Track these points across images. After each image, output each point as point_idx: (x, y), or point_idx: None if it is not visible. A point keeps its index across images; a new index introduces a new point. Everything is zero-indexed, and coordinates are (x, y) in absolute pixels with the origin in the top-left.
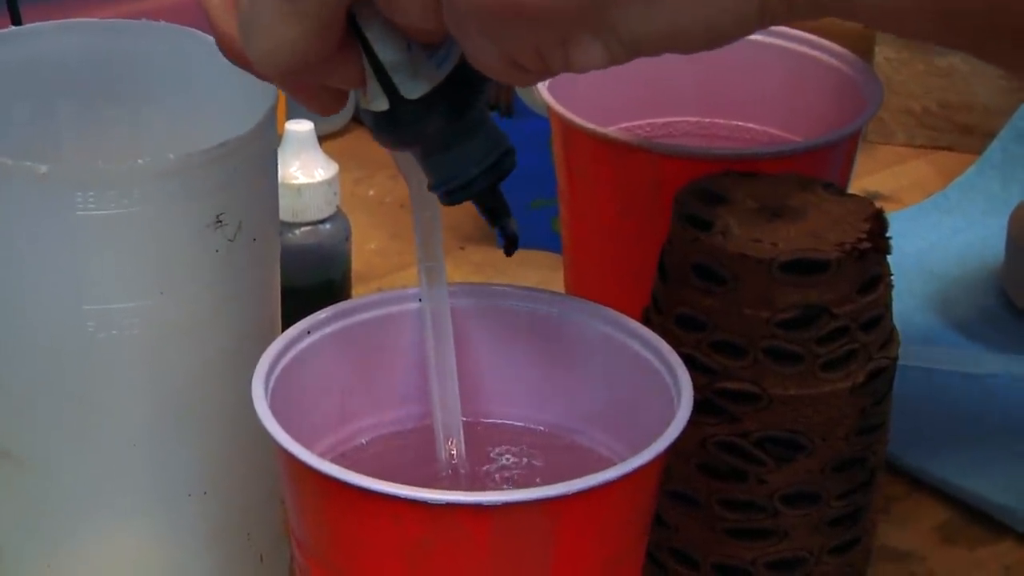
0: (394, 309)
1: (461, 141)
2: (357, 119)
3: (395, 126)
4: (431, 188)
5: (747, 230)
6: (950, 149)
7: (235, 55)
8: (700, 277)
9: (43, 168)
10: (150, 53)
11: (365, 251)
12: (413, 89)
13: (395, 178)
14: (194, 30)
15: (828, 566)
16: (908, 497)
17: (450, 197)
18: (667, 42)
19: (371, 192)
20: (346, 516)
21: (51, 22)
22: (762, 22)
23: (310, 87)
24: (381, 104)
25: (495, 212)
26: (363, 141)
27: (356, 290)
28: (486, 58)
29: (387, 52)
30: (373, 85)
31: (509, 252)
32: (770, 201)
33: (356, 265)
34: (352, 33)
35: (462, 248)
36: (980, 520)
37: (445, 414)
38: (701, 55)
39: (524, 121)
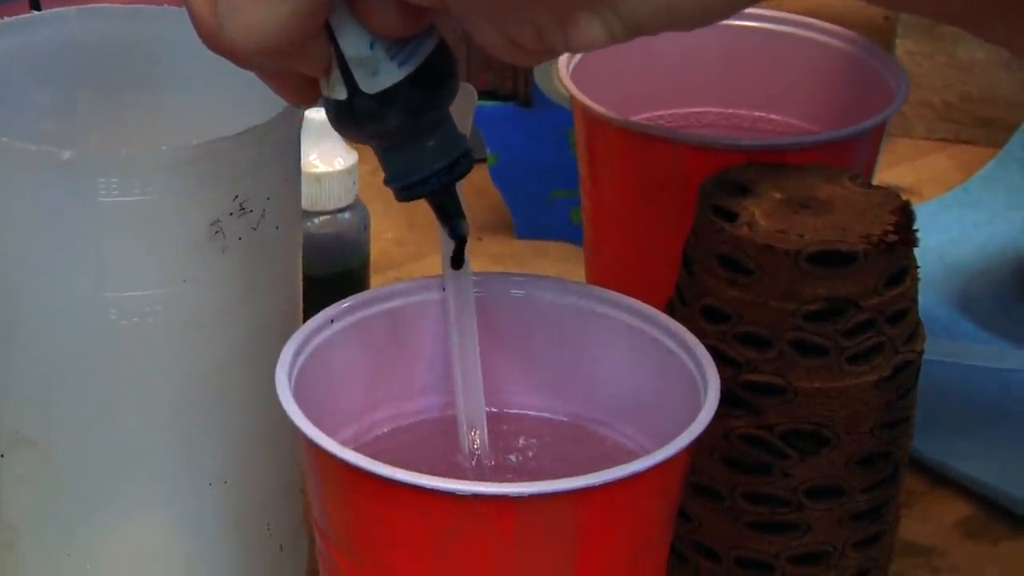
0: (417, 298)
1: (417, 140)
2: None
3: (352, 118)
4: (386, 183)
5: (773, 221)
6: (970, 142)
7: (210, 35)
8: (725, 268)
9: (66, 154)
10: (172, 39)
11: (382, 240)
12: (372, 84)
13: None
14: None
15: (851, 560)
16: (930, 492)
17: (403, 194)
18: (665, 19)
19: None
20: (371, 506)
21: (71, 8)
22: None
23: (282, 73)
24: (340, 93)
25: (448, 212)
26: None
27: (373, 279)
28: (486, 37)
29: (351, 46)
30: (335, 74)
31: (458, 257)
32: (796, 192)
33: (373, 254)
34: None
35: (480, 239)
36: (1002, 515)
37: (468, 404)
38: (724, 43)
39: (542, 112)
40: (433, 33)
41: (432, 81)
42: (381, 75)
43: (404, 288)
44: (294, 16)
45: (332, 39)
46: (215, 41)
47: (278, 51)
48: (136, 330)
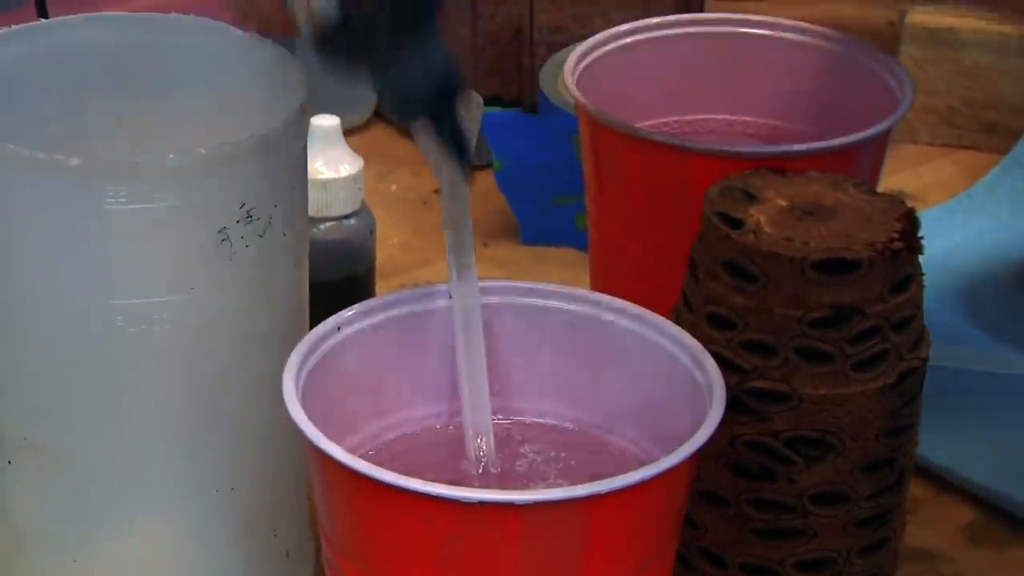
0: (424, 306)
1: (414, 52)
2: (379, 114)
3: (345, 35)
4: (387, 113)
5: (778, 228)
6: (975, 148)
7: None
8: (731, 275)
9: (74, 161)
10: (179, 46)
11: (387, 246)
12: None
13: (417, 174)
14: (223, 23)
15: (856, 567)
16: (935, 498)
17: (403, 109)
18: None
19: (393, 187)
20: (376, 513)
21: (79, 15)
22: None
23: None
24: (328, 6)
25: (452, 130)
26: (385, 136)
27: (379, 286)
28: None
29: None
30: None
31: (467, 177)
32: (801, 199)
33: (379, 260)
34: None
35: (485, 245)
36: (1007, 521)
37: (475, 412)
38: (729, 51)
39: (548, 117)
40: None
41: None
42: None
43: (410, 295)
44: None
45: None
46: None
47: None
48: (143, 337)
